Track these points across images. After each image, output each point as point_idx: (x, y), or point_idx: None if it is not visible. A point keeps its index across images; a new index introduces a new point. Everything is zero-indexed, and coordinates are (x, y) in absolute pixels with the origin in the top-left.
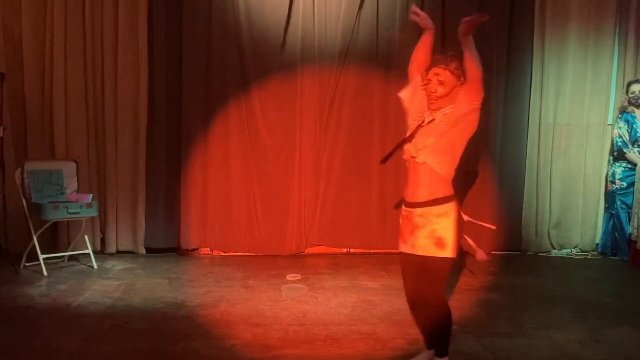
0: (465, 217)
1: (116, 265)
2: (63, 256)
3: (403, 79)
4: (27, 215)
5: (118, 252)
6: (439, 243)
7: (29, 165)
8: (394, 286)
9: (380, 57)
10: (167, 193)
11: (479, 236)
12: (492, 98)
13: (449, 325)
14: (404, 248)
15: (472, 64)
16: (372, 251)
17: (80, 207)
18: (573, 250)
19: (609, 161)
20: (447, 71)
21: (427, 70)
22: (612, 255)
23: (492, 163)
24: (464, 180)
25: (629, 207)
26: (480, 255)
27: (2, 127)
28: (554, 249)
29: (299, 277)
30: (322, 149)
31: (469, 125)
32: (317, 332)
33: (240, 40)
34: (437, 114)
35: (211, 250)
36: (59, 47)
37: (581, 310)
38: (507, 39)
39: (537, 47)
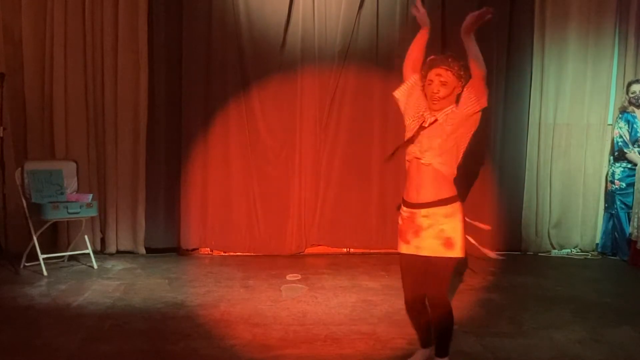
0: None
1: (116, 265)
2: (63, 256)
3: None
4: (27, 215)
5: (118, 252)
6: (448, 243)
7: (29, 165)
8: (394, 286)
9: (380, 57)
10: (167, 193)
11: (479, 236)
12: (492, 98)
13: (451, 325)
14: (406, 249)
15: (477, 64)
16: (372, 251)
17: (80, 207)
18: (573, 250)
19: (609, 161)
20: (449, 72)
21: (428, 70)
22: (612, 255)
23: (492, 163)
24: (464, 180)
25: (629, 207)
26: (491, 253)
27: (2, 127)
28: (554, 249)
29: (299, 277)
30: (322, 149)
31: (473, 124)
32: (317, 332)
33: (240, 40)
34: (439, 114)
35: (211, 250)
36: (59, 47)
37: (581, 310)
38: (507, 39)
39: (537, 47)
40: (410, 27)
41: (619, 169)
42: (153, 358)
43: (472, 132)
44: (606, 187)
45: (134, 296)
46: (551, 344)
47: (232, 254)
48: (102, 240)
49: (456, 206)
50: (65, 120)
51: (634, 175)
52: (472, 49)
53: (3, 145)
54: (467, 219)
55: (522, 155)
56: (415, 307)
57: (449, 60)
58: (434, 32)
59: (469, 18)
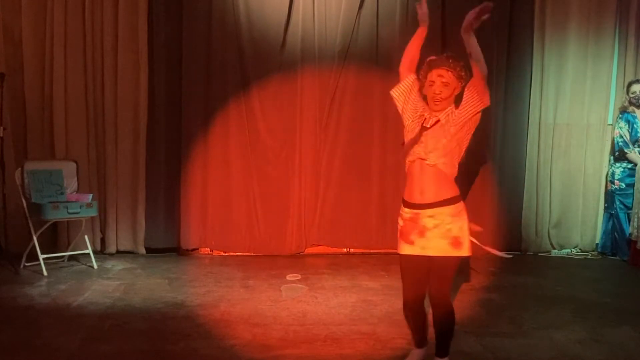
0: None
1: (116, 265)
2: (63, 256)
3: None
4: (27, 215)
5: (118, 252)
6: (456, 243)
7: (29, 165)
8: (394, 286)
9: (380, 57)
10: (167, 193)
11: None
12: (492, 98)
13: (452, 325)
14: (410, 250)
15: (478, 63)
16: (372, 251)
17: (80, 207)
18: (573, 250)
19: (610, 161)
20: (450, 72)
21: (428, 71)
22: (612, 255)
23: (492, 163)
24: (464, 180)
25: (628, 207)
26: (500, 253)
27: (2, 127)
28: (554, 249)
29: (299, 277)
30: (322, 149)
31: (475, 123)
32: (317, 332)
33: (240, 40)
34: (441, 115)
35: (211, 250)
36: (59, 47)
37: (581, 310)
38: (507, 39)
39: (537, 47)
40: (411, 28)
41: (618, 169)
42: (153, 358)
43: (472, 132)
44: (606, 187)
45: (134, 296)
46: (551, 344)
47: (232, 254)
48: (102, 240)
49: (461, 206)
50: (65, 120)
51: (633, 175)
52: (473, 47)
53: (3, 145)
54: None
55: (522, 155)
56: (413, 308)
57: (450, 61)
58: (434, 32)
59: (469, 15)
